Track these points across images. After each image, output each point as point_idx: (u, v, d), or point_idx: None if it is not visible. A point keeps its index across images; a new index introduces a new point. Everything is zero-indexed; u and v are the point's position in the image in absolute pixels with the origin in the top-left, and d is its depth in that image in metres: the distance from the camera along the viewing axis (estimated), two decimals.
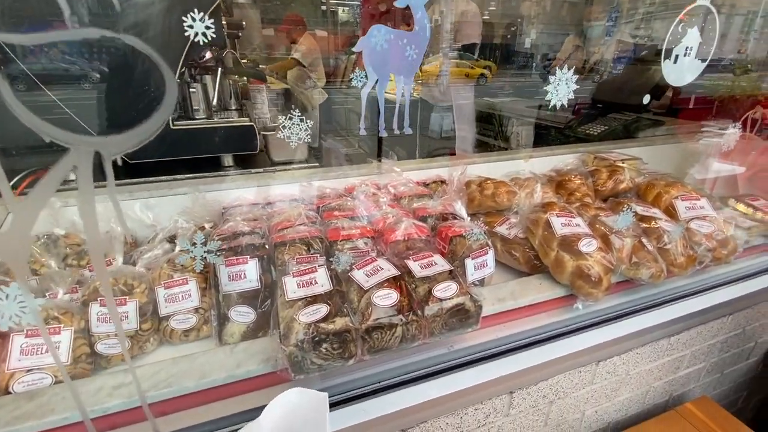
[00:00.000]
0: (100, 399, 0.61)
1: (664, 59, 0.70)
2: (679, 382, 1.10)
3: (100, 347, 0.74)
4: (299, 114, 0.57)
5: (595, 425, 1.01)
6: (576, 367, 0.86)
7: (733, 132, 1.13)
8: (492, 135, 3.03)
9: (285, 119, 0.57)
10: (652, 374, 1.01)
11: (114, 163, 1.10)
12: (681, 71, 0.72)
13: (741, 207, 1.29)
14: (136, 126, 0.41)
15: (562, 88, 0.61)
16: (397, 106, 0.62)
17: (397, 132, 0.64)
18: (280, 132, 0.58)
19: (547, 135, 2.42)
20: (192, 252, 0.66)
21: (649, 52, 1.88)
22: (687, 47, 0.69)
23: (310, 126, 0.58)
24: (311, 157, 1.34)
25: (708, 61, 0.71)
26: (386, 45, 0.57)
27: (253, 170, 1.21)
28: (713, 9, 0.65)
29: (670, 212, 1.12)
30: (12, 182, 1.05)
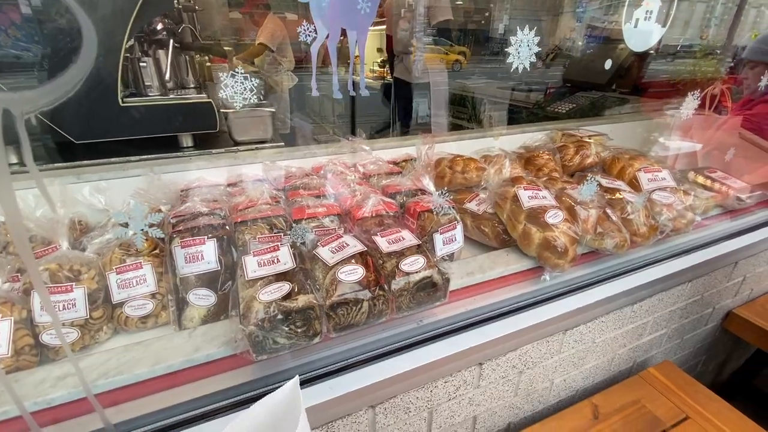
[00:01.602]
0: (43, 390, 0.57)
1: (625, 23, 0.70)
2: (642, 349, 1.14)
3: (45, 338, 0.69)
4: (242, 71, 0.53)
5: (564, 393, 1.03)
6: (544, 336, 0.87)
7: (691, 101, 1.15)
8: (466, 118, 3.03)
9: (226, 76, 0.52)
10: (617, 341, 1.04)
11: (61, 143, 1.02)
12: (642, 35, 0.72)
13: (700, 179, 1.33)
14: (51, 81, 0.36)
15: (523, 51, 0.59)
16: (351, 63, 0.59)
17: (352, 93, 0.60)
18: (222, 91, 0.53)
19: (519, 116, 2.44)
20: (131, 227, 0.61)
21: (614, 31, 1.90)
22: (647, 11, 0.69)
23: (255, 85, 0.54)
24: (276, 136, 1.29)
25: (667, 27, 0.71)
26: (339, 19, 0.53)
27: (214, 150, 1.16)
28: None
29: (634, 184, 1.14)
30: None
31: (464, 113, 3.12)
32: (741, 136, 1.63)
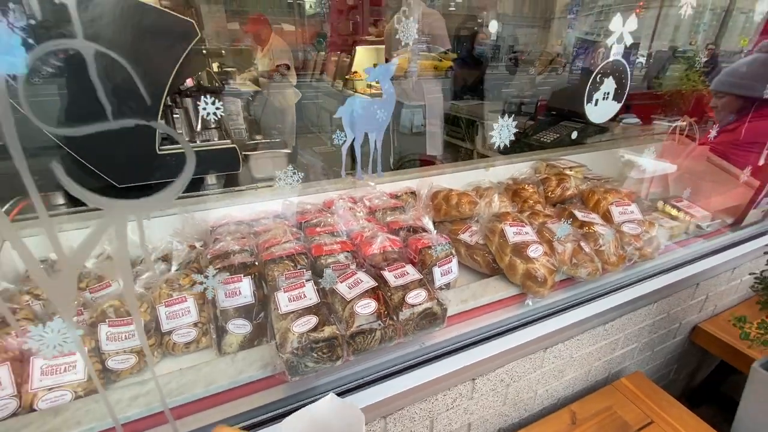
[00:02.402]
0: (121, 409, 0.71)
1: (587, 103, 0.86)
2: (616, 361, 1.29)
3: (110, 363, 0.83)
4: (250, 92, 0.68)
5: (547, 402, 1.18)
6: (527, 354, 1.02)
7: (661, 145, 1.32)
8: (459, 137, 3.20)
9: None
10: (592, 356, 1.19)
11: (105, 187, 1.18)
12: (601, 111, 0.88)
13: (667, 208, 1.50)
14: (163, 191, 0.51)
15: (504, 133, 0.74)
16: (371, 154, 0.74)
17: (372, 174, 0.75)
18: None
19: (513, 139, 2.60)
20: (206, 283, 0.76)
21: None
22: (605, 93, 0.84)
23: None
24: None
25: (623, 101, 0.87)
26: (361, 111, 0.68)
27: (236, 188, 1.30)
28: (626, 63, 0.80)
29: (607, 216, 1.30)
30: (5, 208, 1.09)
31: (458, 132, 3.28)
32: (709, 160, 1.80)
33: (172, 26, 0.98)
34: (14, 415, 0.73)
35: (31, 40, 0.41)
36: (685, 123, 1.78)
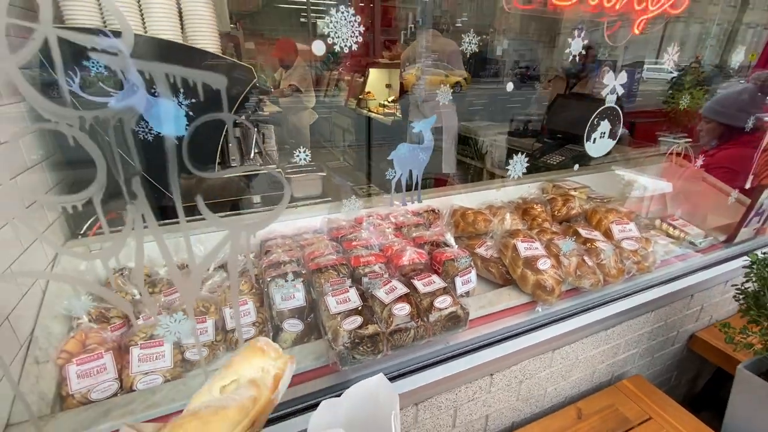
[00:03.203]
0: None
1: (586, 141, 1.02)
2: (618, 365, 1.42)
3: (187, 355, 0.99)
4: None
5: (555, 400, 1.31)
6: (537, 354, 1.16)
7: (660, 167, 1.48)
8: (470, 156, 3.38)
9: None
10: (596, 359, 1.33)
11: (169, 206, 1.36)
12: (599, 148, 1.04)
13: (664, 226, 1.64)
14: (267, 213, 0.68)
15: (518, 167, 0.91)
16: (414, 185, 0.91)
17: (414, 204, 0.92)
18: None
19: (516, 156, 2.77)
20: (287, 275, 0.92)
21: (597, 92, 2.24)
22: (602, 132, 1.01)
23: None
24: (324, 192, 1.62)
25: (617, 139, 1.03)
26: (408, 154, 0.85)
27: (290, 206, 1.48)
28: (618, 109, 0.97)
29: (608, 234, 1.45)
30: (87, 224, 1.28)
31: (468, 151, 3.46)
32: (704, 179, 1.95)
33: (237, 73, 1.18)
34: (115, 395, 0.89)
35: (191, 113, 0.59)
36: (680, 146, 1.94)
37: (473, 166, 3.39)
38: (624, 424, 1.20)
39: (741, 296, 1.11)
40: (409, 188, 1.03)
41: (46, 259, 1.10)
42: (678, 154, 1.89)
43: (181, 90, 0.56)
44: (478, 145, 3.36)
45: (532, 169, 2.24)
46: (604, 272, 1.29)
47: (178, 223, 0.65)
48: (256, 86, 1.26)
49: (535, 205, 1.60)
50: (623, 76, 0.94)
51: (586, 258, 1.29)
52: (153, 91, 0.55)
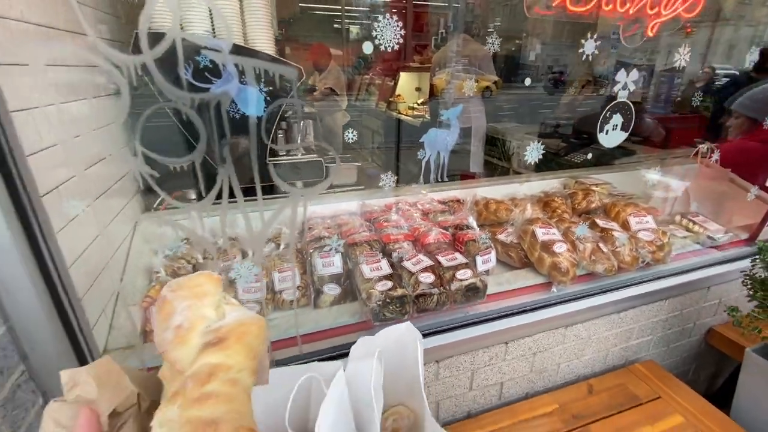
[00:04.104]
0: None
1: (599, 132, 1.13)
2: (632, 350, 1.49)
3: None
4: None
5: (568, 377, 1.40)
6: (551, 329, 1.26)
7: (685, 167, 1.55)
8: (497, 156, 3.46)
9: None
10: (608, 341, 1.41)
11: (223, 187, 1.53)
12: (611, 138, 1.14)
13: (684, 222, 1.70)
14: (320, 184, 0.84)
15: (534, 152, 1.03)
16: (442, 164, 1.05)
17: (440, 180, 1.06)
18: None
19: (543, 158, 2.84)
20: (331, 246, 1.08)
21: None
22: (614, 125, 1.10)
23: None
24: (358, 180, 1.78)
25: (629, 131, 1.13)
26: (436, 137, 1.00)
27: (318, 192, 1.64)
28: (630, 104, 1.06)
29: (625, 225, 1.53)
30: (158, 201, 1.49)
31: (495, 152, 3.55)
32: (732, 180, 1.97)
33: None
34: None
35: (268, 98, 0.76)
36: (706, 146, 1.97)
37: (500, 166, 3.47)
38: (633, 401, 1.28)
39: (749, 281, 1.17)
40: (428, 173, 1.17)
41: (130, 225, 1.32)
42: (703, 155, 1.93)
43: (263, 80, 0.73)
44: (505, 146, 3.44)
45: (556, 167, 2.33)
46: (618, 259, 1.38)
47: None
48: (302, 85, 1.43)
49: (556, 198, 1.70)
50: (634, 74, 1.03)
51: (601, 245, 1.38)
52: (242, 80, 0.72)
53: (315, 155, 1.62)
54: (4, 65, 0.66)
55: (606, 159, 2.15)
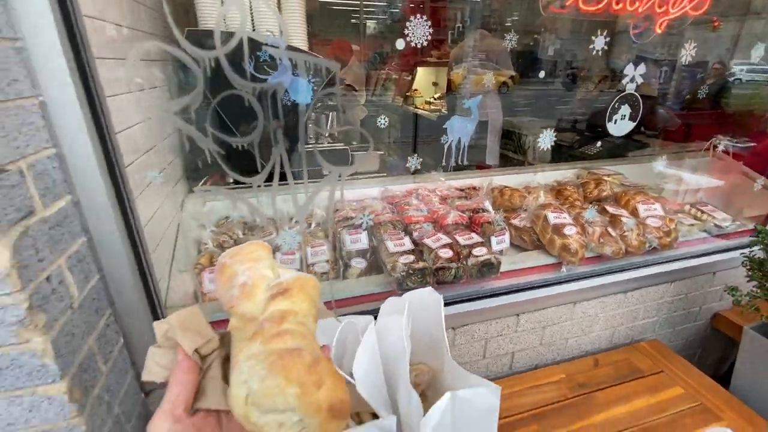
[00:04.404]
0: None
1: (608, 122, 1.22)
2: (637, 330, 1.58)
3: None
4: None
5: (575, 352, 1.50)
6: (560, 304, 1.36)
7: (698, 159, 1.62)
8: (512, 149, 3.53)
9: None
10: (615, 319, 1.50)
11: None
12: (620, 128, 1.23)
13: (692, 211, 1.76)
14: (350, 164, 0.96)
15: (547, 139, 1.13)
16: (462, 148, 1.16)
17: (460, 163, 1.17)
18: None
19: (558, 150, 2.91)
20: (363, 219, 1.21)
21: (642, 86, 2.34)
22: (622, 115, 1.19)
23: None
24: (381, 167, 1.90)
25: (637, 121, 1.21)
26: (458, 125, 1.11)
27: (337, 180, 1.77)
28: (638, 96, 1.15)
29: (634, 213, 1.61)
30: (201, 182, 1.64)
31: (510, 145, 3.62)
32: (746, 174, 2.02)
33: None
34: None
35: (314, 88, 0.88)
36: (719, 141, 2.02)
37: (516, 160, 3.54)
38: (636, 373, 1.38)
39: (748, 262, 1.25)
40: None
41: (177, 203, 1.47)
42: (716, 148, 1.98)
43: (311, 72, 0.86)
44: (521, 140, 3.51)
45: (570, 160, 2.40)
46: (626, 243, 1.47)
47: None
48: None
49: (568, 187, 1.78)
50: (642, 68, 1.12)
51: (609, 229, 1.47)
52: (294, 72, 0.85)
53: (342, 144, 1.74)
54: (102, 59, 0.80)
55: (619, 151, 2.22)
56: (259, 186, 0.96)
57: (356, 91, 3.82)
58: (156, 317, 0.97)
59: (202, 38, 0.78)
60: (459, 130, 1.10)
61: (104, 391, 0.80)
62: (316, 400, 0.33)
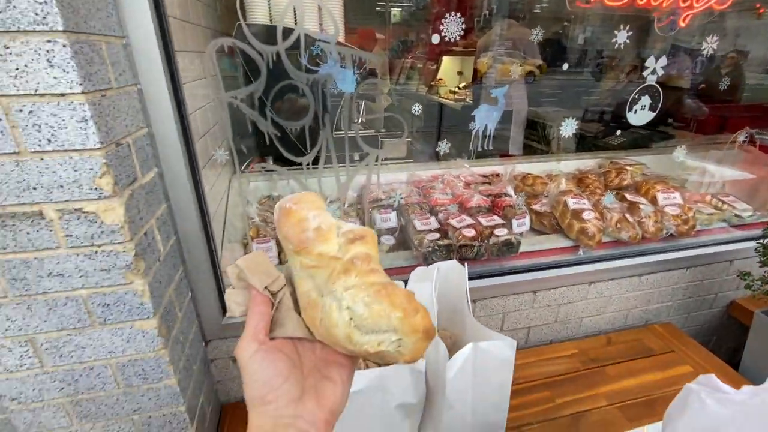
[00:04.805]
0: None
1: (628, 111, 1.28)
2: (651, 313, 1.65)
3: None
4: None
5: (589, 330, 1.59)
6: (576, 284, 1.45)
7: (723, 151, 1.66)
8: (536, 139, 3.56)
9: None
10: (629, 301, 1.58)
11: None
12: (639, 118, 1.29)
13: (713, 201, 1.80)
14: (387, 147, 1.07)
15: (569, 126, 1.22)
16: (488, 135, 1.26)
17: (486, 148, 1.27)
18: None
19: (582, 141, 2.93)
20: (395, 198, 1.33)
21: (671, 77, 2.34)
22: (642, 105, 1.25)
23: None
24: (408, 154, 2.01)
25: (657, 112, 1.27)
26: (485, 112, 1.20)
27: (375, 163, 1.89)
28: (658, 86, 1.20)
29: (654, 201, 1.67)
30: (245, 163, 1.79)
31: (535, 135, 3.65)
32: None
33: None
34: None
35: (358, 79, 1.00)
36: (746, 133, 2.02)
37: (539, 149, 3.57)
38: (647, 352, 1.46)
39: (761, 248, 1.30)
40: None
41: (226, 181, 1.63)
42: (744, 141, 1.99)
43: (355, 64, 0.97)
44: (546, 130, 3.53)
45: (594, 149, 2.44)
46: (643, 229, 1.53)
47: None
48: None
49: (590, 175, 1.85)
50: (663, 60, 1.17)
51: (627, 215, 1.54)
52: (342, 65, 0.96)
53: (372, 130, 1.86)
54: (182, 52, 0.94)
55: (644, 142, 2.25)
56: (307, 166, 1.09)
57: (380, 79, 3.92)
58: (216, 278, 1.12)
59: (262, 33, 0.91)
60: (486, 118, 1.20)
61: (179, 333, 0.95)
62: (414, 323, 0.37)
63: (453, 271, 1.10)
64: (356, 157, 1.26)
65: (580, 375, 1.36)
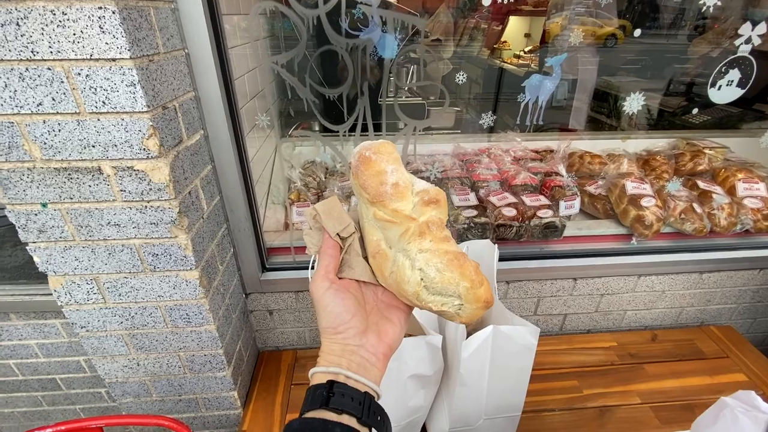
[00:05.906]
0: None
1: (710, 87, 1.10)
2: (709, 313, 1.50)
3: None
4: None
5: (633, 325, 1.49)
6: (622, 275, 1.35)
7: None
8: (605, 113, 3.24)
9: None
10: (684, 299, 1.45)
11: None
12: (723, 95, 1.10)
13: None
14: (426, 119, 1.03)
15: (634, 104, 1.08)
16: (539, 108, 1.16)
17: (536, 122, 1.18)
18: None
19: (660, 117, 2.62)
20: (432, 171, 1.31)
21: None
22: (729, 80, 1.06)
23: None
24: (456, 124, 1.93)
25: (746, 88, 1.07)
26: (537, 83, 1.10)
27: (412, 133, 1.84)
28: (752, 59, 1.01)
29: (732, 191, 1.47)
30: (291, 129, 1.84)
31: (604, 108, 3.32)
32: None
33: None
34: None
35: (400, 44, 0.95)
36: None
37: (607, 124, 3.25)
38: (697, 354, 1.35)
39: None
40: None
41: (272, 145, 1.68)
42: None
43: (397, 29, 0.93)
44: (618, 102, 3.19)
45: (670, 128, 2.17)
46: (712, 222, 1.37)
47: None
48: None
49: (658, 157, 1.66)
50: (762, 27, 0.97)
51: (695, 205, 1.38)
52: (383, 29, 0.92)
53: (419, 98, 1.80)
54: (228, 15, 0.96)
55: (732, 122, 1.95)
56: (344, 134, 1.09)
57: (442, 43, 3.72)
58: (257, 238, 1.19)
59: None
60: (537, 89, 1.10)
61: (220, 285, 1.04)
62: (479, 293, 0.41)
63: (483, 250, 1.08)
64: (400, 125, 1.24)
65: (615, 369, 1.30)
